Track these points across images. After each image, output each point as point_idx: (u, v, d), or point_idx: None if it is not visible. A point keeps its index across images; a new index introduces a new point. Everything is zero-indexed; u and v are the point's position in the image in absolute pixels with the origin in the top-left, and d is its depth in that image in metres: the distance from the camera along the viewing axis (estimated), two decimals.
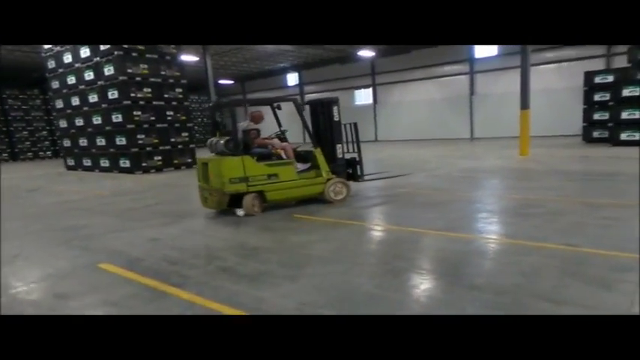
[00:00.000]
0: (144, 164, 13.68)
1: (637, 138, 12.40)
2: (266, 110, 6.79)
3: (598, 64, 17.38)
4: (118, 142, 13.87)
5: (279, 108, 6.84)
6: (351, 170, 6.95)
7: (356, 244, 4.54)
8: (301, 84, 28.16)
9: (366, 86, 24.79)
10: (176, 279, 3.69)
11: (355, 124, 6.90)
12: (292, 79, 28.74)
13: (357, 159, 6.93)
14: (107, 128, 14.10)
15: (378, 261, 3.99)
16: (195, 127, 30.95)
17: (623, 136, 12.74)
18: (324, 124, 6.70)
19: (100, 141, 14.64)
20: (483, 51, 20.35)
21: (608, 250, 3.77)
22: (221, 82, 29.74)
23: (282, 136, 6.88)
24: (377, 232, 5.17)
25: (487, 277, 3.34)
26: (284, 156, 6.44)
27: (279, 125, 6.84)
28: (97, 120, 14.49)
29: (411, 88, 23.03)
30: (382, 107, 24.52)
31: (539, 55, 17.89)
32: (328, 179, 6.48)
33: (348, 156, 6.88)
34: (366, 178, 7.05)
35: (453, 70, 21.48)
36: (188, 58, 18.34)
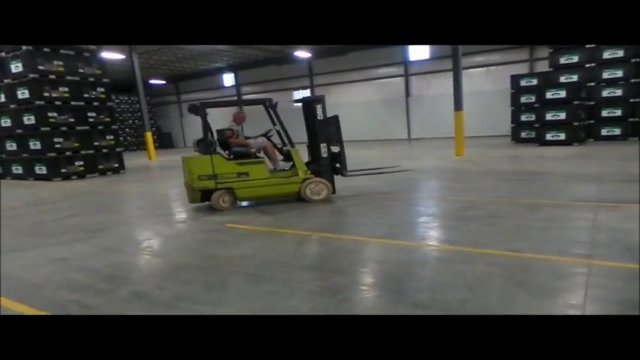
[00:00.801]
0: (63, 170, 12.47)
1: (561, 138, 13.07)
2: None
3: (522, 69, 18.33)
4: (32, 147, 12.52)
5: (272, 107, 6.59)
6: (338, 165, 6.81)
7: (291, 257, 4.15)
8: (238, 85, 27.40)
9: (304, 87, 24.53)
10: (75, 310, 3.11)
11: (336, 117, 6.72)
12: (228, 79, 27.87)
13: (340, 154, 6.77)
14: (18, 131, 12.70)
15: (314, 277, 3.63)
16: (127, 130, 29.33)
17: (548, 136, 13.40)
18: (311, 123, 6.67)
19: (11, 145, 13.17)
20: (417, 54, 20.81)
21: (551, 254, 3.67)
22: (152, 82, 28.25)
23: (268, 135, 6.93)
24: (315, 241, 4.82)
25: (431, 292, 3.08)
26: (262, 155, 6.64)
27: (274, 124, 6.65)
28: (5, 122, 13.01)
29: (348, 89, 23.09)
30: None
31: (469, 59, 18.53)
32: (305, 179, 6.47)
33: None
34: (349, 174, 6.87)
35: (388, 72, 21.79)
36: (112, 55, 17.06)
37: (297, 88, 24.80)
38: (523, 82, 15.07)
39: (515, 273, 3.31)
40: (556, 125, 13.30)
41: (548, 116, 13.48)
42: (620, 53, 13.48)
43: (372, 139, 21.91)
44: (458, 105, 12.26)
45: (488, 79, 19.42)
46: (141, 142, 26.44)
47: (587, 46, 13.76)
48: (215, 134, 6.77)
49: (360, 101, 22.76)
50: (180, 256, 4.46)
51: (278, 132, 6.74)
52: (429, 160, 11.72)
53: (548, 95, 13.60)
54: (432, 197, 6.81)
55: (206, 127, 6.34)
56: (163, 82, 28.90)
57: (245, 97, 27.30)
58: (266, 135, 6.94)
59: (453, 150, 12.42)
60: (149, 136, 18.89)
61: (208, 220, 5.98)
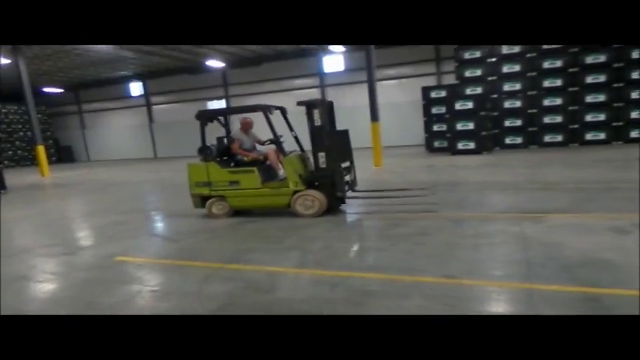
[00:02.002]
0: None
1: (471, 147, 13.59)
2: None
3: (432, 81, 19.05)
4: None
5: (271, 113, 6.23)
6: (347, 181, 6.23)
7: (194, 300, 3.43)
8: (147, 94, 25.60)
9: (218, 98, 23.51)
10: None
11: (346, 132, 6.48)
12: (136, 88, 25.91)
13: (347, 170, 6.29)
14: None
15: None
16: (17, 143, 26.05)
17: (460, 146, 13.88)
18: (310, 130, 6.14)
19: None
20: (332, 65, 20.88)
21: (489, 280, 3.38)
22: (47, 90, 25.38)
23: (276, 143, 6.47)
24: (223, 276, 4.12)
25: None
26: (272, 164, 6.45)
27: (273, 131, 6.29)
28: None
29: (264, 100, 22.41)
30: (236, 119, 23.45)
31: (383, 71, 18.86)
32: (296, 191, 5.99)
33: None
34: (349, 194, 6.33)
35: (304, 83, 21.60)
36: None
37: (212, 99, 23.71)
38: (433, 94, 15.58)
39: (456, 308, 2.93)
40: (466, 135, 13.81)
41: (459, 126, 13.97)
42: (517, 68, 14.40)
43: (289, 149, 21.44)
44: (374, 116, 12.31)
45: (402, 91, 19.97)
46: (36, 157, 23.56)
47: (489, 60, 14.55)
48: (216, 142, 6.84)
49: (276, 112, 22.27)
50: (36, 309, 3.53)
51: (295, 138, 6.59)
52: None
53: (457, 106, 14.13)
54: (357, 212, 6.41)
55: (204, 134, 6.43)
56: (60, 90, 26.10)
57: (155, 106, 25.60)
58: (277, 141, 6.43)
59: (371, 160, 12.33)
60: (41, 149, 16.72)
61: (97, 253, 5.04)
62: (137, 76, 24.83)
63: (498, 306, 2.93)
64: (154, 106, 25.85)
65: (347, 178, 6.21)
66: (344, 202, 6.30)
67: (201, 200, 6.53)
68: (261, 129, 6.60)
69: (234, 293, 3.52)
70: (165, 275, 4.23)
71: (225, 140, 6.90)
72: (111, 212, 7.84)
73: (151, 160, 25.05)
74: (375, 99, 12.27)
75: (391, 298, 3.14)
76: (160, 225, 6.96)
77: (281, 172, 6.40)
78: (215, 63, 20.45)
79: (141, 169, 18.60)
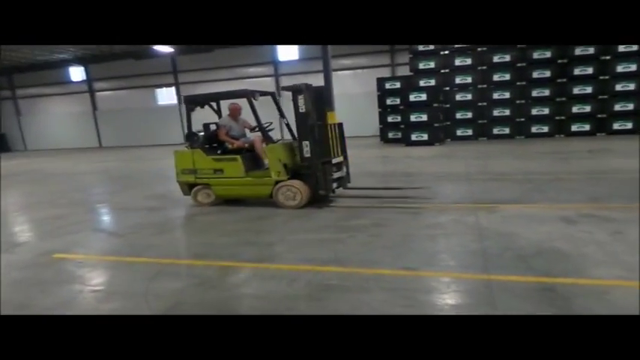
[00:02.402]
0: None
1: (424, 138, 13.83)
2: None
3: (386, 72, 19.20)
4: None
5: (255, 99, 5.95)
6: (338, 176, 6.03)
7: (141, 300, 3.19)
8: (89, 80, 24.15)
9: (168, 85, 22.58)
10: None
11: (340, 125, 6.17)
12: (77, 73, 24.37)
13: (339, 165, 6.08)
14: None
15: None
16: None
17: (413, 137, 14.08)
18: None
19: None
20: (286, 54, 20.53)
21: (447, 270, 3.37)
22: None
23: (261, 130, 6.18)
24: (174, 273, 3.88)
25: None
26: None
27: (257, 118, 6.09)
28: None
29: (216, 88, 21.75)
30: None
31: (338, 61, 18.75)
32: (278, 181, 5.78)
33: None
34: (334, 190, 6.10)
35: (258, 71, 21.14)
36: None
37: (161, 86, 22.76)
38: (388, 85, 15.66)
39: (416, 301, 2.89)
40: (419, 126, 14.02)
41: (412, 118, 14.16)
42: (468, 61, 14.75)
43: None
44: (329, 106, 12.18)
45: (357, 82, 19.97)
46: None
47: (442, 52, 14.81)
48: (203, 128, 6.66)
49: (229, 100, 21.72)
50: None
51: (287, 125, 6.42)
52: None
53: (412, 98, 14.30)
54: (308, 204, 6.28)
55: (190, 120, 6.41)
56: None
57: (99, 93, 24.25)
58: (262, 128, 6.16)
59: None
60: None
61: (34, 250, 4.63)
62: (78, 61, 23.34)
63: (458, 298, 2.92)
64: (98, 93, 24.44)
65: (337, 174, 5.99)
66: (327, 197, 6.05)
67: (189, 188, 6.43)
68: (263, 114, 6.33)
69: (184, 291, 3.32)
70: (110, 273, 3.94)
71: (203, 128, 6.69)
72: (51, 205, 7.29)
73: (96, 149, 23.76)
74: (330, 89, 12.16)
75: (353, 293, 3.06)
76: (104, 219, 6.54)
77: (267, 161, 6.12)
78: (163, 48, 19.53)
79: (84, 159, 17.57)
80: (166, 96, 23.01)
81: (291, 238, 4.59)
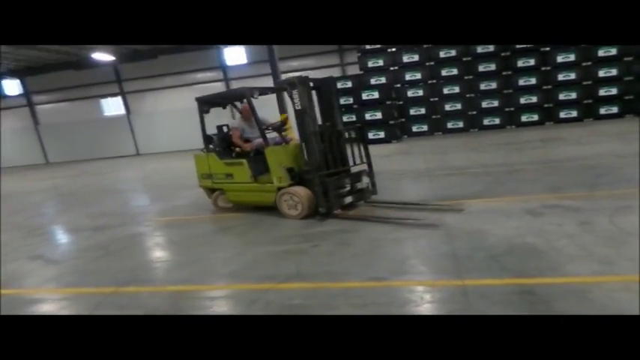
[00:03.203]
0: None
1: (382, 136, 13.80)
2: None
3: (336, 72, 19.08)
4: None
5: (254, 97, 5.50)
6: (360, 186, 5.50)
7: None
8: (27, 93, 22.55)
9: (113, 95, 21.45)
10: None
11: (361, 127, 5.91)
12: (13, 87, 22.68)
13: (360, 174, 5.52)
14: None
15: None
16: None
17: (370, 135, 13.97)
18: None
19: None
20: (234, 58, 20.02)
21: (419, 279, 3.15)
22: None
23: (261, 132, 5.51)
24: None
25: None
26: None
27: (256, 119, 5.55)
28: None
29: (165, 96, 21.00)
30: (137, 118, 21.66)
31: (286, 63, 18.40)
32: (280, 187, 5.25)
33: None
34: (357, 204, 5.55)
35: (207, 77, 20.47)
36: None
37: (105, 96, 21.59)
38: (339, 85, 15.53)
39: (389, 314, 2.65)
40: (375, 124, 13.97)
41: (367, 116, 14.09)
42: (416, 57, 14.85)
43: (198, 147, 20.30)
44: (282, 108, 11.97)
45: None
46: None
47: (389, 50, 14.82)
48: (217, 131, 6.33)
49: (180, 108, 20.85)
50: None
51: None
52: None
53: (364, 96, 14.23)
54: (270, 211, 5.95)
55: (203, 123, 6.11)
56: None
57: (40, 106, 22.71)
58: (261, 130, 5.54)
59: None
60: None
61: None
62: (12, 73, 21.76)
63: (434, 310, 2.70)
64: (38, 106, 22.89)
65: (352, 186, 5.33)
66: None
67: (210, 192, 6.21)
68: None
69: None
70: (44, 308, 3.45)
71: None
72: None
73: (42, 166, 22.23)
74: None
75: (317, 311, 2.77)
76: (44, 243, 5.93)
77: None
78: (103, 56, 18.48)
79: (29, 177, 16.32)
80: (113, 106, 21.86)
81: (248, 250, 4.25)
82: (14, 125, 23.41)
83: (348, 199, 5.24)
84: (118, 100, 21.47)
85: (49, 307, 3.48)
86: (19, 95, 22.81)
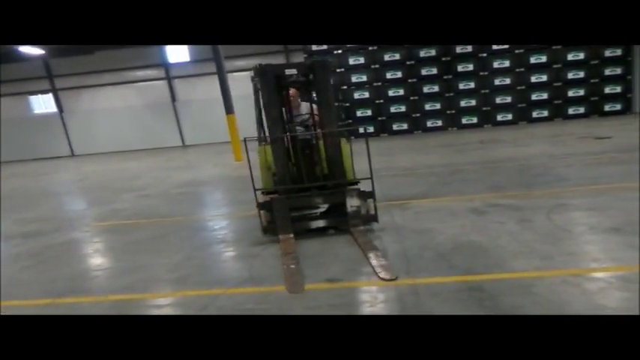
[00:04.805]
0: None
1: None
2: None
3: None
4: None
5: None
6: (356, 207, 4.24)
7: None
8: None
9: (43, 91, 19.99)
10: None
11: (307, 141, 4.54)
12: None
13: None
14: None
15: None
16: None
17: None
18: None
19: None
20: (176, 56, 19.34)
21: (365, 279, 3.16)
22: None
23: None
24: None
25: None
26: None
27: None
28: None
29: (103, 93, 19.85)
30: (72, 116, 20.32)
31: (232, 62, 18.03)
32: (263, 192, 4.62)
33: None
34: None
35: (148, 74, 19.58)
36: None
37: (35, 93, 20.06)
38: None
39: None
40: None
41: None
42: (361, 60, 15.10)
43: (140, 148, 19.43)
44: (229, 108, 11.79)
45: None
46: None
47: (335, 52, 14.97)
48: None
49: (120, 107, 19.87)
50: None
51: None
52: (209, 169, 10.70)
53: None
54: (223, 215, 5.79)
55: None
56: None
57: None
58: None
59: (232, 155, 11.71)
60: None
61: None
62: None
63: (386, 308, 2.71)
64: None
65: (321, 206, 4.46)
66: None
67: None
68: None
69: None
70: None
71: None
72: None
73: None
74: (227, 91, 11.74)
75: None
76: None
77: None
78: (32, 50, 17.15)
79: None
80: (43, 104, 20.39)
81: (197, 254, 4.09)
82: None
83: (317, 224, 4.32)
84: (49, 97, 20.06)
85: None
86: None
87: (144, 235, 5.02)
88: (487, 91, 14.49)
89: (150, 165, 12.86)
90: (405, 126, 15.06)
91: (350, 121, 15.11)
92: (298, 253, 3.76)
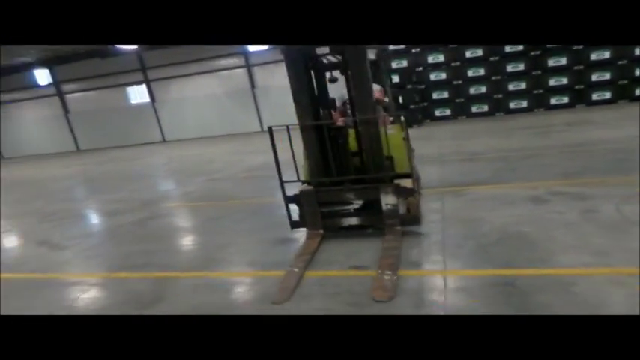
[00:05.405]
0: None
1: None
2: None
3: None
4: None
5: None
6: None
7: None
8: (57, 82, 23.29)
9: (138, 82, 21.79)
10: None
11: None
12: (43, 76, 23.46)
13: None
14: None
15: None
16: None
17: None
18: None
19: None
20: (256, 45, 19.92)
21: (404, 268, 3.04)
22: None
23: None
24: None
25: None
26: None
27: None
28: None
29: (189, 82, 21.18)
30: (162, 105, 22.03)
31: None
32: None
33: None
34: None
35: (229, 63, 20.47)
36: None
37: (131, 84, 21.99)
38: None
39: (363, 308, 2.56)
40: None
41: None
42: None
43: (221, 134, 20.51)
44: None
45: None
46: None
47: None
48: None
49: (204, 95, 21.09)
50: None
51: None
52: (283, 153, 10.96)
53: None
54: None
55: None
56: None
57: (69, 95, 23.48)
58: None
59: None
60: None
61: None
62: (41, 63, 22.42)
63: (398, 303, 2.60)
64: (68, 95, 23.62)
65: (355, 203, 4.05)
66: None
67: None
68: None
69: None
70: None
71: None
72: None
73: (74, 153, 23.06)
74: None
75: None
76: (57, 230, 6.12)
77: None
78: (127, 45, 18.76)
79: (62, 163, 16.95)
80: (138, 94, 22.31)
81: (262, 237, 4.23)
82: (45, 114, 24.30)
83: (350, 221, 3.97)
84: (143, 87, 21.86)
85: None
86: (49, 84, 23.57)
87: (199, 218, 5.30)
88: (581, 67, 13.07)
89: (227, 149, 13.52)
90: (485, 108, 14.14)
91: (425, 104, 14.55)
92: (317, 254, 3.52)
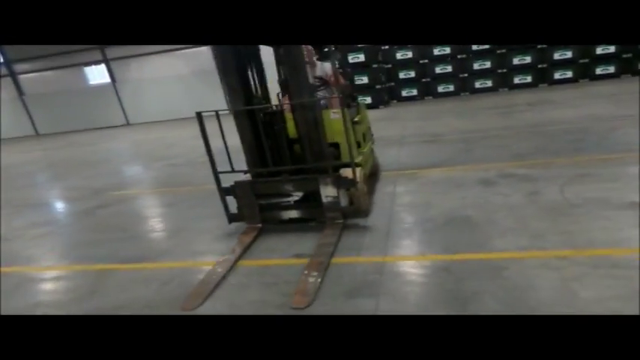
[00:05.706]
0: None
1: (368, 102, 13.41)
2: None
3: None
4: None
5: None
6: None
7: None
8: (7, 62, 21.92)
9: (96, 62, 20.91)
10: None
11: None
12: None
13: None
14: None
15: None
16: None
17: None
18: None
19: None
20: None
21: (337, 255, 2.98)
22: None
23: None
24: None
25: None
26: None
27: None
28: None
29: (152, 62, 20.41)
30: (124, 86, 21.18)
31: None
32: None
33: None
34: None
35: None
36: None
37: (89, 64, 21.06)
38: None
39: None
40: (361, 89, 13.52)
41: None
42: None
43: (188, 116, 19.96)
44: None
45: None
46: None
47: None
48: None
49: (169, 75, 20.39)
50: None
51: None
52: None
53: (350, 59, 13.65)
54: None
55: None
56: None
57: (22, 75, 22.27)
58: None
59: None
60: None
61: None
62: None
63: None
64: (21, 76, 22.27)
65: (295, 195, 3.70)
66: None
67: None
68: None
69: None
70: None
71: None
72: None
73: (32, 137, 22.02)
74: None
75: None
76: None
77: None
78: None
79: (15, 149, 16.21)
80: (98, 75, 21.38)
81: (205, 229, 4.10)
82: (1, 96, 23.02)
83: (290, 214, 3.70)
84: (102, 67, 20.97)
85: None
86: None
87: (151, 206, 5.14)
88: (544, 46, 13.21)
89: (191, 133, 13.15)
90: (451, 87, 14.19)
91: (392, 84, 14.49)
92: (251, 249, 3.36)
